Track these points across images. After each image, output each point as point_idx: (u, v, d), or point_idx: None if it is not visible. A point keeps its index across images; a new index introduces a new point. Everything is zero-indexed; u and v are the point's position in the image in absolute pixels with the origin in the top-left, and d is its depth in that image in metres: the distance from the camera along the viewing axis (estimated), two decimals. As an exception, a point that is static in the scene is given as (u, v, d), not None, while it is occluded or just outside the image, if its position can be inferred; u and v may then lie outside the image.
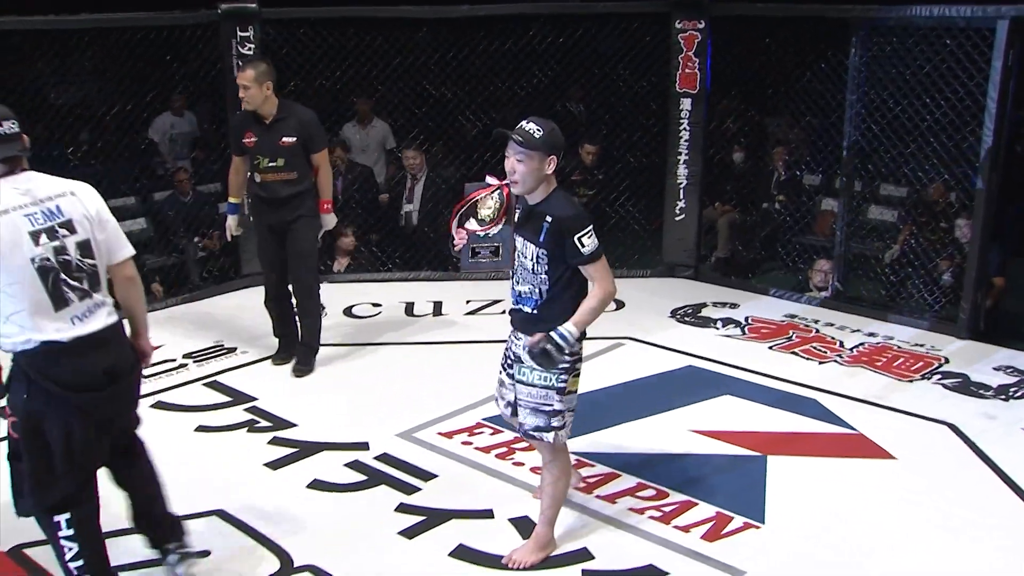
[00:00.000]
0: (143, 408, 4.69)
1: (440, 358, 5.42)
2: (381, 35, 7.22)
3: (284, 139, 4.96)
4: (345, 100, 7.61)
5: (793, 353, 5.52)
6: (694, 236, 7.03)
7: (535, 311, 3.17)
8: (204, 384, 5.13)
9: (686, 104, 6.75)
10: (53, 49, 6.17)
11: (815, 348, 5.62)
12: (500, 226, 3.19)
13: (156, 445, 4.36)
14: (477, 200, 3.20)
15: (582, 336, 3.19)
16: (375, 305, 6.43)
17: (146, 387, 5.02)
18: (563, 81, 7.74)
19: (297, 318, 5.27)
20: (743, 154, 8.13)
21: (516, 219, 3.22)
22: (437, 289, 6.51)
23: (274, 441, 4.44)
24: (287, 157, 4.96)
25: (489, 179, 3.22)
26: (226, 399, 4.93)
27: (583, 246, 3.03)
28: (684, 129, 6.80)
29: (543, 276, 3.13)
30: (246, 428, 4.59)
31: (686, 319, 6.16)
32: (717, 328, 5.98)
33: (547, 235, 3.06)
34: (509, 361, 3.36)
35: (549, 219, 3.05)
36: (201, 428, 4.62)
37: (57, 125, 6.76)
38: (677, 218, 7.00)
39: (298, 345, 5.28)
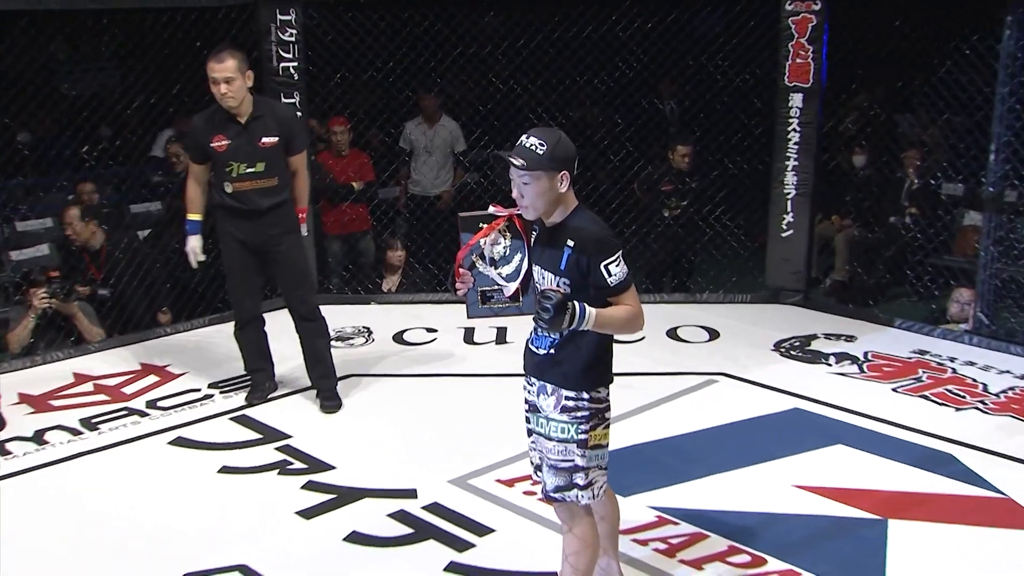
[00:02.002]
0: (161, 445, 4.88)
1: (502, 394, 5.30)
2: (441, 20, 7.29)
3: (264, 140, 4.94)
4: (399, 95, 7.72)
5: (923, 397, 5.41)
6: (804, 255, 6.94)
7: (552, 351, 3.15)
8: (231, 418, 5.18)
9: (796, 100, 6.69)
10: (63, 33, 6.24)
11: (951, 392, 5.48)
12: (517, 264, 3.17)
13: (175, 488, 4.50)
14: (482, 240, 3.19)
15: (607, 380, 3.18)
16: (430, 331, 6.50)
17: (164, 421, 5.15)
18: (652, 74, 7.70)
19: (305, 346, 5.28)
20: (865, 158, 8.00)
21: (532, 245, 3.20)
22: (501, 313, 6.54)
23: (309, 486, 4.46)
24: (268, 160, 4.95)
25: (493, 209, 3.18)
26: (255, 436, 4.97)
27: (610, 275, 3.00)
28: (794, 130, 6.73)
29: None
30: (277, 470, 4.62)
31: (792, 353, 6.09)
32: (830, 364, 5.90)
33: (569, 261, 3.04)
34: (527, 413, 3.33)
35: (571, 243, 3.03)
36: (226, 469, 4.65)
37: (71, 119, 6.87)
38: (784, 234, 6.93)
39: (318, 379, 5.30)
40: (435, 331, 6.49)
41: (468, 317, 3.30)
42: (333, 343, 6.13)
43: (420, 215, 7.76)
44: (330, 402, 5.26)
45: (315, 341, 5.27)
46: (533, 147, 3.00)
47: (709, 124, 7.49)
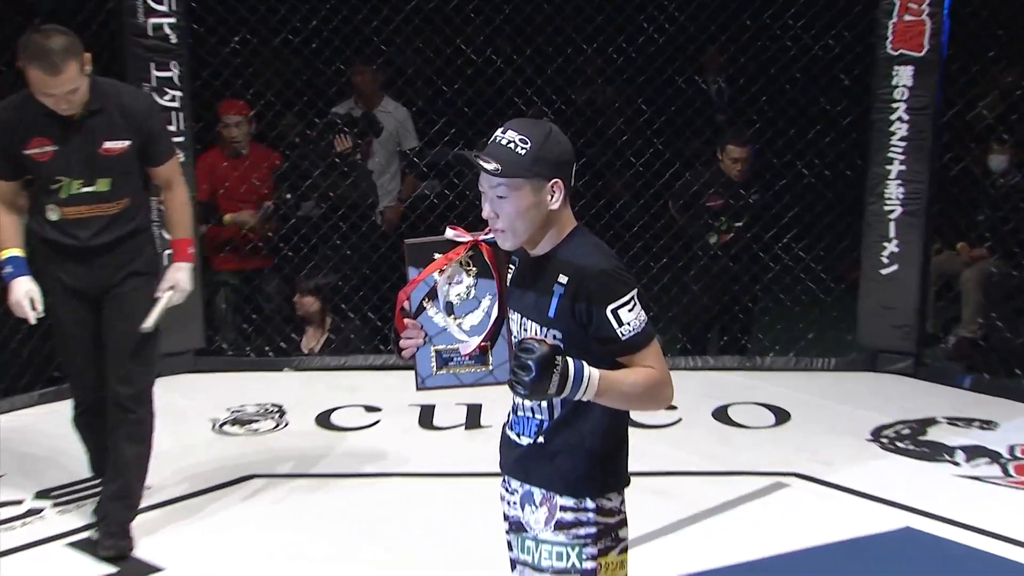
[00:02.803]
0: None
1: (474, 502, 5.29)
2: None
3: (108, 144, 4.84)
4: (324, 69, 7.71)
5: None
6: (915, 301, 6.96)
7: (540, 439, 3.14)
8: (69, 544, 5.06)
9: (904, 75, 6.71)
10: None
11: None
12: (485, 310, 3.16)
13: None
14: (436, 276, 3.17)
15: (622, 481, 3.16)
16: (370, 410, 6.55)
17: (-34, 546, 5.02)
18: (691, 40, 7.74)
19: (110, 446, 5.06)
20: (1008, 159, 7.90)
21: (509, 285, 3.20)
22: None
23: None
24: (115, 175, 4.88)
25: (451, 232, 3.19)
26: (107, 570, 4.86)
27: (620, 323, 2.98)
28: (899, 118, 6.76)
29: None
30: (140, 623, 4.56)
31: (900, 445, 6.06)
32: (957, 463, 5.87)
33: (560, 306, 3.02)
34: (508, 534, 3.32)
35: (564, 279, 3.01)
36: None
37: None
38: (885, 270, 6.95)
39: (109, 499, 5.07)
40: (377, 410, 6.51)
41: (418, 388, 3.23)
42: (227, 428, 6.27)
43: (354, 241, 7.71)
44: (111, 540, 4.99)
45: (124, 444, 5.03)
46: (512, 145, 2.99)
47: (775, 111, 7.46)
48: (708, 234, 7.38)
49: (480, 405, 6.38)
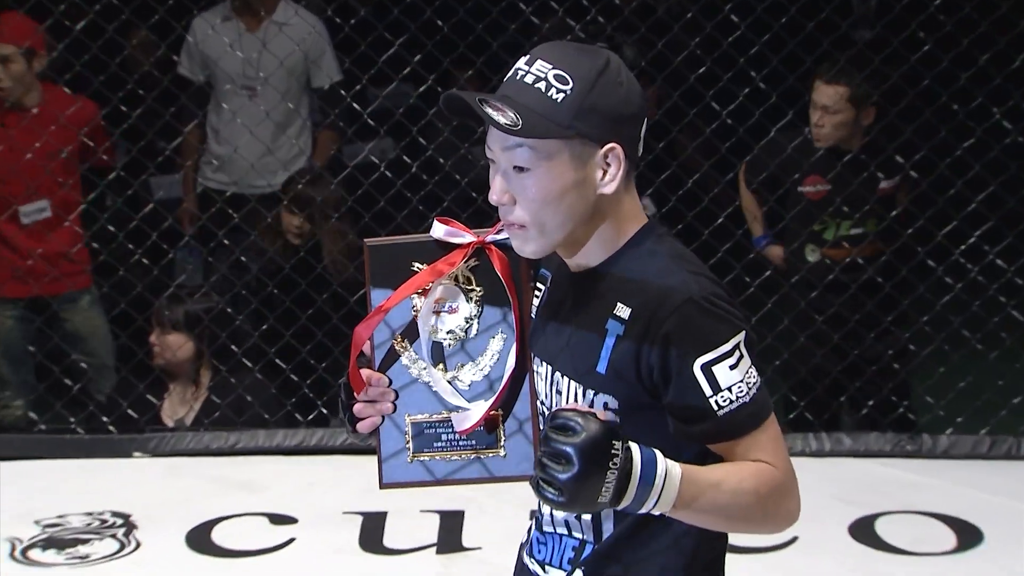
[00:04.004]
0: None
1: None
2: None
3: None
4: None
5: None
6: None
7: (579, 574, 3.20)
8: None
9: None
10: None
11: None
12: (494, 358, 3.20)
13: None
14: (416, 301, 3.21)
15: None
16: (278, 521, 6.65)
17: None
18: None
19: None
20: None
21: (534, 317, 3.30)
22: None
23: None
24: None
25: (440, 228, 3.23)
26: None
27: (716, 387, 2.98)
28: None
29: None
30: None
31: None
32: None
33: (619, 355, 3.04)
34: None
35: (624, 311, 3.04)
36: None
37: None
38: None
39: None
40: (291, 521, 6.63)
41: (382, 485, 3.22)
42: (37, 553, 6.39)
43: (253, 239, 7.87)
44: None
45: None
46: (542, 85, 3.00)
47: (956, 25, 7.41)
48: (807, 246, 7.42)
49: (462, 513, 6.44)
